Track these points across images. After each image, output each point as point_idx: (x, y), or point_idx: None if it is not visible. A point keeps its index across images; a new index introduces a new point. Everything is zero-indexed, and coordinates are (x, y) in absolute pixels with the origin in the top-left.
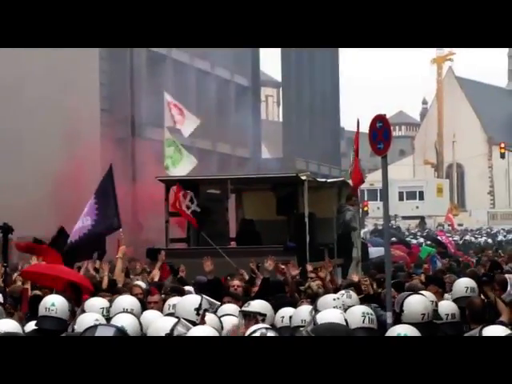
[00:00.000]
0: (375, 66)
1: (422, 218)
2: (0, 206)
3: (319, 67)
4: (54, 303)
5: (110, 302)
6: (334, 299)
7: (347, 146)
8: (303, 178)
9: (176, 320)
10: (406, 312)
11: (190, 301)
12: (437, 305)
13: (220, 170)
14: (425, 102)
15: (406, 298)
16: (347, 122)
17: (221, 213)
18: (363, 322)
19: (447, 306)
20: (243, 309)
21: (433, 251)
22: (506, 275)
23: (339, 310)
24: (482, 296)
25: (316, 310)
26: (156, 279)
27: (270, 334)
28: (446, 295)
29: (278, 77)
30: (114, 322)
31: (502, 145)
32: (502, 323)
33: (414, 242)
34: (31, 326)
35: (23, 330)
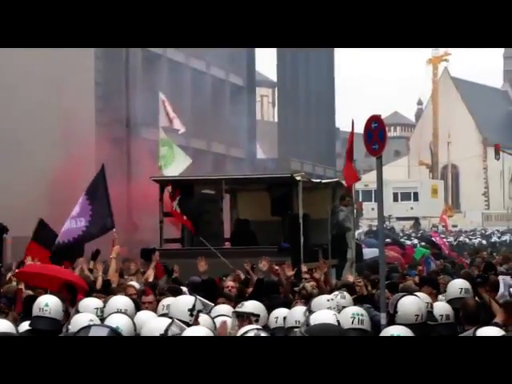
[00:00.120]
0: (370, 66)
1: (417, 219)
2: None
3: (315, 67)
4: (48, 303)
5: (105, 302)
6: (328, 300)
7: (342, 146)
8: (298, 178)
9: (170, 321)
10: (400, 313)
11: (183, 301)
12: (432, 306)
13: (215, 170)
14: (420, 103)
15: (399, 298)
16: (342, 123)
17: (215, 213)
18: (352, 323)
19: (442, 307)
20: (236, 309)
21: (427, 252)
22: (500, 276)
23: (333, 310)
24: (477, 297)
25: (310, 311)
26: (150, 279)
27: (263, 335)
28: (440, 296)
29: (274, 77)
30: (107, 322)
31: (498, 146)
32: (496, 324)
33: (409, 243)
34: (25, 326)
35: (17, 331)
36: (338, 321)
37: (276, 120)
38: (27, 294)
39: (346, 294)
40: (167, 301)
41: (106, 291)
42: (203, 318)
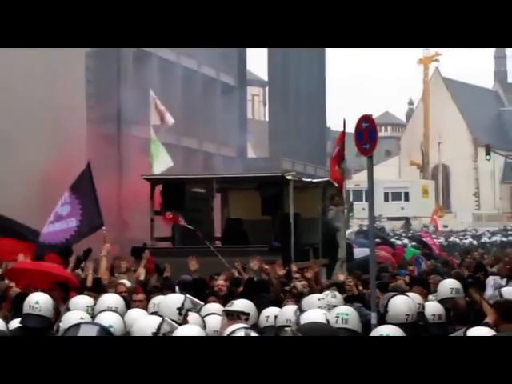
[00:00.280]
0: (361, 66)
1: (407, 219)
2: None
3: (306, 67)
4: (38, 301)
5: (95, 300)
6: (319, 299)
7: (333, 146)
8: (289, 177)
9: (161, 319)
10: (391, 312)
11: (172, 300)
12: (423, 307)
13: (205, 169)
14: (411, 103)
15: (390, 298)
16: (333, 122)
17: (206, 212)
18: (336, 322)
19: (433, 307)
20: (226, 308)
21: (417, 253)
22: (490, 277)
23: (323, 310)
24: (467, 297)
25: (301, 310)
26: (142, 278)
27: (253, 334)
28: (431, 296)
29: (265, 76)
30: (98, 320)
31: (488, 146)
32: (487, 325)
33: (399, 242)
34: (15, 323)
35: (7, 328)
36: (327, 320)
37: (267, 119)
38: (15, 291)
39: (337, 293)
40: (158, 299)
41: (97, 289)
42: (193, 316)
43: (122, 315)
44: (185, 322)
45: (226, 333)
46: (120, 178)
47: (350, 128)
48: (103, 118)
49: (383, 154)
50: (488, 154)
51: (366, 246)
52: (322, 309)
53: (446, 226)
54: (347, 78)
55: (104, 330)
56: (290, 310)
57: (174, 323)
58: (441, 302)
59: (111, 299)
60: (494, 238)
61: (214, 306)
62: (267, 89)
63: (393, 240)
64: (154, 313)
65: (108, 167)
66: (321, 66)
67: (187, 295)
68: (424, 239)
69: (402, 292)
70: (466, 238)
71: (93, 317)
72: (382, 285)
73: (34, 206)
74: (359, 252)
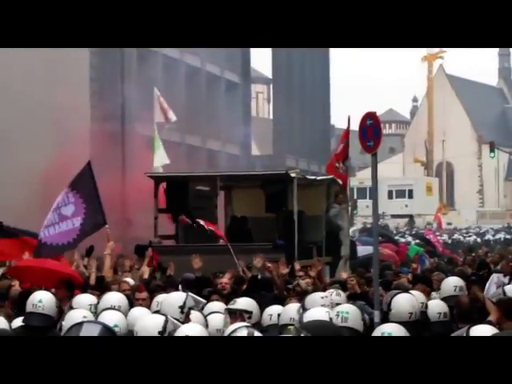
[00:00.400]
0: (366, 63)
1: (411, 217)
2: None
3: (310, 64)
4: (42, 300)
5: (99, 298)
6: (322, 297)
7: (337, 143)
8: (293, 175)
9: (164, 318)
10: (394, 311)
11: (174, 298)
12: (426, 306)
13: (209, 167)
14: (415, 100)
15: (393, 296)
16: (337, 120)
17: (210, 210)
18: (336, 320)
19: (439, 305)
20: (229, 306)
21: (421, 250)
22: (494, 274)
23: (326, 308)
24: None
25: (304, 309)
26: (146, 276)
27: (256, 333)
28: (434, 294)
29: (269, 73)
30: (101, 318)
31: (492, 143)
32: (490, 323)
33: (403, 240)
34: (18, 322)
35: (10, 327)
36: (330, 318)
37: (271, 117)
38: (17, 290)
39: (341, 291)
40: (160, 297)
41: (100, 287)
42: (195, 315)
43: (125, 314)
44: (187, 320)
45: (228, 331)
46: (124, 176)
47: (355, 125)
48: (107, 115)
49: (387, 151)
50: (492, 151)
51: (370, 243)
52: (325, 307)
53: (449, 224)
54: (351, 75)
55: (107, 328)
56: (293, 308)
57: (177, 322)
58: (444, 299)
59: (114, 298)
60: (498, 236)
61: (217, 305)
62: (271, 86)
63: (396, 238)
64: (157, 311)
65: (112, 165)
66: (325, 63)
67: (189, 293)
68: (427, 237)
69: (406, 290)
70: (470, 236)
71: (96, 315)
72: (385, 283)
73: (36, 206)
74: (363, 250)
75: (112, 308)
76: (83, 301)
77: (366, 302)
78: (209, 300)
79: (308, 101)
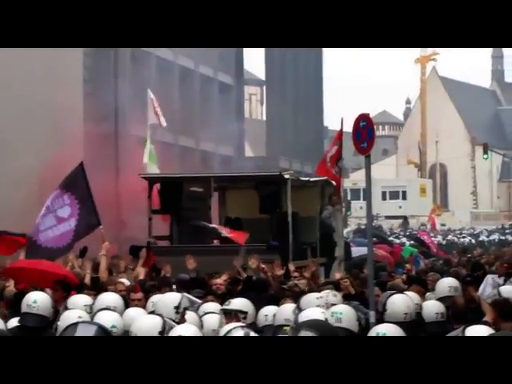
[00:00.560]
0: (359, 65)
1: (405, 218)
2: None
3: (303, 66)
4: (36, 300)
5: (94, 299)
6: (318, 298)
7: (330, 145)
8: (286, 176)
9: (160, 318)
10: (389, 311)
11: (169, 299)
12: (421, 307)
13: (203, 168)
14: (408, 102)
15: (389, 297)
16: (331, 121)
17: (204, 211)
18: (330, 321)
19: (436, 305)
20: (224, 307)
21: (415, 251)
22: (488, 275)
23: (322, 308)
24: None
25: (299, 309)
26: (141, 277)
27: (252, 333)
28: (429, 294)
29: (262, 75)
30: (97, 319)
31: (486, 145)
32: (485, 323)
33: (397, 241)
34: (14, 322)
35: (6, 327)
36: (325, 318)
37: (264, 118)
38: (11, 291)
39: (337, 292)
40: (156, 298)
41: (96, 288)
42: (190, 315)
43: (121, 314)
44: (182, 320)
45: (224, 332)
46: (117, 177)
47: (348, 127)
48: (101, 117)
49: (381, 152)
50: (485, 152)
51: (364, 244)
52: (320, 307)
53: (443, 225)
54: (344, 76)
55: (102, 329)
56: (288, 308)
57: (172, 323)
58: (439, 300)
59: (110, 298)
60: (492, 237)
61: (212, 305)
62: (264, 88)
63: (391, 239)
64: (152, 312)
65: (105, 166)
66: (318, 65)
67: (185, 294)
68: (422, 238)
69: (401, 291)
70: (464, 237)
71: (91, 316)
72: (379, 283)
73: (31, 206)
74: (357, 251)
75: (108, 308)
76: (78, 301)
77: (361, 303)
78: (204, 300)
79: (301, 102)
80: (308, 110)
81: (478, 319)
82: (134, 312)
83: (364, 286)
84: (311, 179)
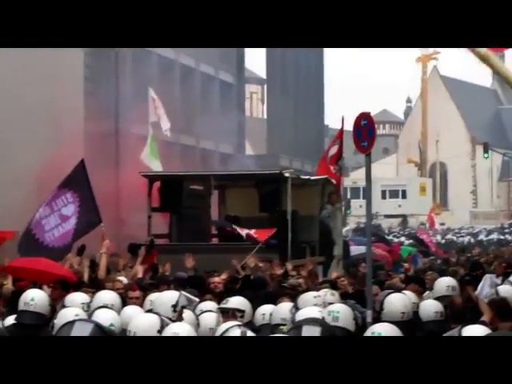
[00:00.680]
0: (360, 64)
1: (405, 217)
2: None
3: (304, 64)
4: (34, 298)
5: (92, 297)
6: (315, 297)
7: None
8: (287, 175)
9: (158, 316)
10: (386, 310)
11: (167, 297)
12: (418, 306)
13: (203, 167)
14: (409, 101)
15: (386, 296)
16: (331, 120)
17: (203, 209)
18: (327, 319)
19: (436, 304)
20: (221, 305)
21: (413, 250)
22: (487, 275)
23: (319, 307)
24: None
25: (296, 308)
26: (140, 275)
27: (249, 332)
28: (427, 293)
29: (263, 74)
30: (95, 317)
31: (486, 144)
32: (483, 323)
33: (396, 240)
34: (11, 320)
35: (3, 325)
36: (323, 317)
37: (265, 117)
38: (8, 289)
39: (334, 291)
40: (153, 296)
41: (94, 285)
42: (186, 313)
43: (118, 312)
44: (180, 319)
45: (221, 330)
46: (117, 175)
47: (349, 126)
48: (101, 115)
49: (381, 151)
50: (486, 152)
51: (363, 243)
52: (317, 306)
53: (442, 224)
54: (345, 75)
55: (99, 327)
56: (285, 307)
57: (168, 321)
58: (437, 299)
59: (107, 296)
60: (491, 236)
61: (209, 304)
62: (265, 86)
63: (390, 238)
64: (150, 310)
65: (105, 164)
66: (319, 64)
67: (182, 292)
68: (421, 237)
69: (398, 290)
70: (463, 236)
71: (89, 314)
72: (378, 282)
73: (31, 205)
74: (356, 250)
75: (105, 306)
76: (76, 299)
77: (359, 302)
78: (202, 299)
79: (302, 101)
80: (309, 109)
81: (476, 319)
82: (131, 310)
83: (361, 285)
84: (311, 178)
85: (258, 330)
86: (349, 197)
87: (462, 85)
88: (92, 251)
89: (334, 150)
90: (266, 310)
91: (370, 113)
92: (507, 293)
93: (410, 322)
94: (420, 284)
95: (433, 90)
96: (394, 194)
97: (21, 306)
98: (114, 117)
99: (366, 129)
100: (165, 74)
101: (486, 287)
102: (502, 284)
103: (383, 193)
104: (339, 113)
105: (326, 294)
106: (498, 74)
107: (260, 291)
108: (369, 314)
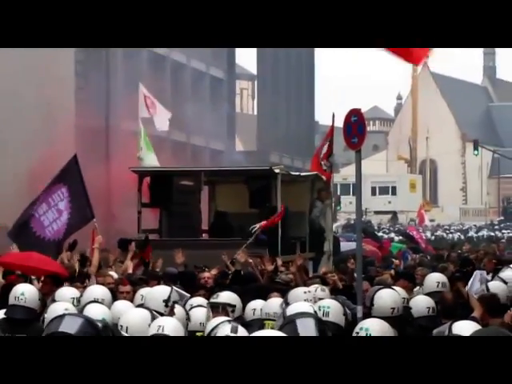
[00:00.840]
0: (350, 60)
1: (395, 213)
2: None
3: (295, 61)
4: (24, 292)
5: (82, 292)
6: (305, 292)
7: (322, 140)
8: (276, 171)
9: (148, 311)
10: (376, 306)
11: (159, 292)
12: (408, 302)
13: (194, 162)
14: (399, 98)
15: (376, 291)
16: (322, 116)
17: (194, 205)
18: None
19: (427, 300)
20: (211, 300)
21: (403, 247)
22: (477, 271)
23: (309, 302)
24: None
25: (287, 303)
26: (130, 271)
27: (240, 328)
28: (417, 289)
29: (254, 69)
30: (86, 312)
31: (476, 141)
32: (473, 319)
33: (386, 236)
34: (1, 314)
35: None
36: (315, 311)
37: (255, 113)
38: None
39: (325, 287)
40: (145, 291)
41: (84, 281)
42: (177, 309)
43: (109, 307)
44: (171, 314)
45: (211, 326)
46: (108, 171)
47: (339, 122)
48: (92, 111)
49: (371, 148)
50: (476, 149)
51: (353, 239)
52: (308, 301)
53: (432, 220)
54: (336, 72)
55: (88, 321)
56: (275, 303)
57: (159, 316)
58: (427, 295)
59: (98, 291)
60: (481, 233)
61: (200, 299)
62: (256, 82)
63: (380, 234)
64: (141, 305)
65: (96, 160)
66: (310, 61)
67: (174, 287)
68: (411, 233)
69: (388, 286)
70: (453, 233)
71: (79, 308)
72: (368, 278)
73: (23, 202)
74: (345, 246)
75: (96, 301)
76: (66, 294)
77: (348, 297)
78: (194, 295)
79: (292, 97)
80: (299, 105)
81: (467, 315)
82: (121, 305)
83: (352, 281)
84: (301, 174)
85: (248, 325)
86: (339, 193)
87: (453, 82)
88: (81, 246)
89: (325, 149)
90: (256, 304)
91: (360, 109)
92: (497, 289)
93: (400, 318)
94: (410, 280)
95: (423, 87)
96: (383, 190)
97: (11, 301)
98: (105, 112)
99: (356, 125)
100: (156, 70)
101: (476, 283)
102: (492, 280)
103: (373, 189)
104: (330, 109)
105: (317, 289)
106: None
107: (250, 286)
108: (359, 309)
